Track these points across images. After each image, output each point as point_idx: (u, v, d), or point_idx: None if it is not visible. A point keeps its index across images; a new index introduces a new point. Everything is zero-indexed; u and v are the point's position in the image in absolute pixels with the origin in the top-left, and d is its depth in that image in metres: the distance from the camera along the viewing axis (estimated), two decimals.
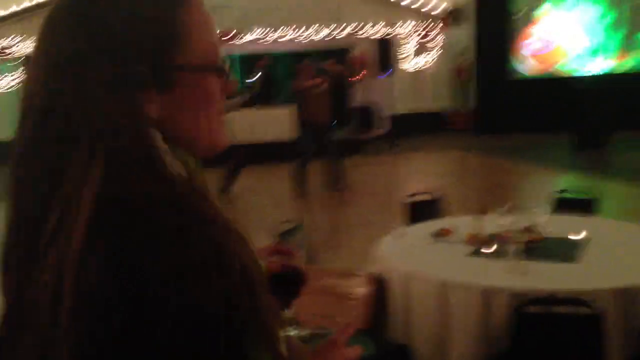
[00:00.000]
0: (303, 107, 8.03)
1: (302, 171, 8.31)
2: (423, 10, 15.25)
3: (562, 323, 2.27)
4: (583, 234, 3.00)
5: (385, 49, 12.75)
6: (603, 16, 13.24)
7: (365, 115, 14.88)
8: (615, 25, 13.19)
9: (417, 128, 15.30)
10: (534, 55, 13.98)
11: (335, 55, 15.18)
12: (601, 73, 13.29)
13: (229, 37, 14.01)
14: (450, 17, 15.68)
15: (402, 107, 14.77)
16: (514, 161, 10.37)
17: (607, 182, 8.08)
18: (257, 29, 14.26)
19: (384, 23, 14.80)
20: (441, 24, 15.42)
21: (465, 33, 16.17)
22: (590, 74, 13.42)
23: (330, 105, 8.28)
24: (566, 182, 8.45)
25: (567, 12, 13.52)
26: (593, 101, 11.03)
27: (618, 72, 13.21)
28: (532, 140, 12.82)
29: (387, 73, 12.62)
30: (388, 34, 14.58)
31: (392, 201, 7.53)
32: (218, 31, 0.87)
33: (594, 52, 13.45)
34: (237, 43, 14.32)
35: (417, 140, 12.91)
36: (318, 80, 8.08)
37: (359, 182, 8.97)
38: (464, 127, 15.78)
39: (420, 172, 10.18)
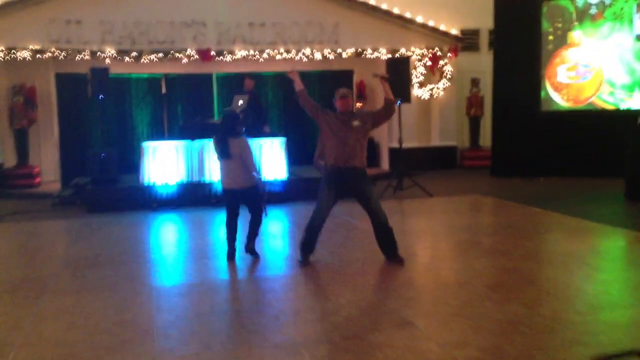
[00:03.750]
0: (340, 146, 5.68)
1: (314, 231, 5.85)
2: (431, 33, 13.41)
3: None
4: None
5: (397, 73, 10.73)
6: None
7: (369, 150, 12.85)
8: None
9: (424, 165, 13.35)
10: (564, 86, 12.12)
11: (335, 78, 13.30)
12: None
13: (206, 56, 11.93)
14: (462, 42, 13.86)
15: (409, 141, 12.76)
16: (552, 213, 8.32)
17: None
18: (241, 47, 12.21)
19: (385, 48, 12.91)
20: (451, 50, 13.58)
21: (478, 60, 14.40)
22: (632, 109, 11.57)
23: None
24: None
25: (602, 40, 11.74)
26: None
27: None
28: (564, 186, 10.90)
29: (398, 102, 10.57)
30: (399, 56, 12.62)
31: (425, 286, 5.40)
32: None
33: (631, 87, 11.66)
34: (219, 62, 12.24)
35: (425, 180, 10.84)
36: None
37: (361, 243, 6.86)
38: (477, 165, 13.85)
39: (442, 231, 8.05)
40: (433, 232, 7.56)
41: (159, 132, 12.25)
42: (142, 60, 11.85)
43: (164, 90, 12.25)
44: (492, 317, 4.32)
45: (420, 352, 3.73)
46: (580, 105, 12.02)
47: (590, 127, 11.67)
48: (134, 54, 11.76)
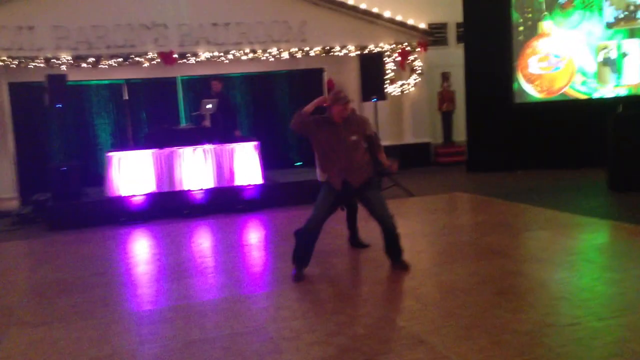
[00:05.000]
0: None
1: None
2: (400, 28, 13.15)
3: None
4: None
5: (369, 70, 10.41)
6: (614, 35, 11.43)
7: None
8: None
9: (398, 164, 13.01)
10: (536, 77, 11.99)
11: (304, 77, 12.89)
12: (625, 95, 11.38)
13: (168, 59, 11.39)
14: (431, 36, 13.64)
15: (382, 139, 12.44)
16: (540, 209, 8.11)
17: None
18: (205, 49, 11.71)
19: (354, 45, 12.59)
20: (421, 44, 13.34)
21: (447, 54, 14.20)
22: (604, 97, 11.50)
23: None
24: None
25: (572, 29, 11.65)
26: (630, 129, 8.97)
27: None
28: (543, 179, 10.74)
29: (374, 99, 10.24)
30: (370, 53, 12.30)
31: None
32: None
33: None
34: (183, 65, 11.70)
35: (402, 179, 10.54)
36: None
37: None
38: (451, 162, 13.66)
39: (432, 232, 7.75)
40: (423, 233, 7.24)
41: (123, 141, 11.64)
42: (101, 65, 11.24)
43: (126, 96, 11.62)
44: (509, 328, 3.99)
45: None
46: (553, 96, 11.91)
47: (564, 118, 11.58)
48: (92, 59, 11.14)
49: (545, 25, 11.83)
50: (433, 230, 7.37)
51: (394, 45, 13.09)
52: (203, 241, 7.90)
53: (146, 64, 11.44)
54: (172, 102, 12.04)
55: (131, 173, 9.34)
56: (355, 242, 6.50)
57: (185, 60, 11.65)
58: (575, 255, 5.73)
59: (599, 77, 11.60)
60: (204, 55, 11.74)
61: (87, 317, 4.82)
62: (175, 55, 11.58)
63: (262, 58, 12.11)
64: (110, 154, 9.45)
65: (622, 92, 11.46)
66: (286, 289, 5.22)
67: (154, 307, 5.07)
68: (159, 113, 11.80)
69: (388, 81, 13.08)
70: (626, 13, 11.36)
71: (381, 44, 12.94)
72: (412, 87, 13.48)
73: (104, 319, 4.75)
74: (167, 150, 9.46)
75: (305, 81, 12.90)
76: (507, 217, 7.84)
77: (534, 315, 4.20)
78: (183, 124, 11.74)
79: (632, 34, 11.35)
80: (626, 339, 3.71)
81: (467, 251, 6.13)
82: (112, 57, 11.25)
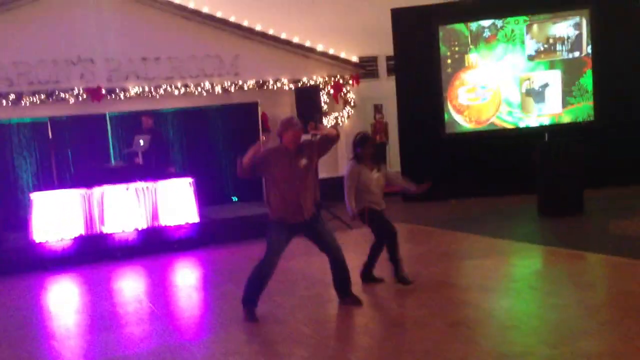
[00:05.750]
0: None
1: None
2: (332, 61, 13.29)
3: None
4: None
5: (306, 103, 10.41)
6: (535, 67, 11.97)
7: None
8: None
9: (333, 196, 13.01)
10: (465, 108, 12.33)
11: (239, 111, 12.72)
12: (549, 124, 11.87)
13: (96, 95, 11.00)
14: (362, 69, 13.85)
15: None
16: (478, 237, 8.23)
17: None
18: (134, 84, 11.40)
19: (287, 78, 12.62)
20: (353, 77, 13.52)
21: (379, 86, 14.43)
22: (530, 127, 11.97)
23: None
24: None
25: (497, 62, 12.11)
26: (557, 156, 9.33)
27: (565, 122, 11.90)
28: (477, 207, 10.97)
29: (312, 133, 10.19)
30: (307, 86, 12.32)
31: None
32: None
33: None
34: (111, 101, 11.32)
35: (338, 212, 10.47)
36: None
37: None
38: (386, 193, 13.75)
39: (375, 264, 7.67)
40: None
41: (47, 182, 11.03)
42: (23, 103, 10.70)
43: (49, 135, 11.08)
44: None
45: None
46: (482, 126, 12.28)
47: (494, 147, 11.91)
48: (13, 96, 10.60)
49: (472, 58, 12.25)
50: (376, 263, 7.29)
51: (327, 78, 13.19)
52: (137, 286, 7.50)
53: (72, 101, 10.99)
54: (101, 139, 11.56)
55: (57, 215, 8.81)
56: (400, 277, 5.90)
57: (114, 96, 11.28)
58: (518, 282, 5.79)
59: (523, 107, 12.08)
60: (133, 90, 11.41)
61: None
62: (103, 91, 11.20)
63: (195, 93, 11.90)
64: (33, 195, 8.90)
65: (545, 121, 11.96)
66: (231, 332, 4.97)
67: None
68: (87, 151, 11.29)
69: (322, 114, 13.13)
70: (546, 46, 11.94)
71: (314, 77, 13.01)
72: (345, 119, 13.58)
73: None
74: (96, 190, 9.01)
75: (239, 115, 12.75)
76: (448, 246, 7.89)
77: (487, 346, 4.16)
78: (113, 161, 11.29)
79: (552, 65, 11.92)
80: None
81: (413, 283, 6.07)
82: (34, 93, 10.75)
